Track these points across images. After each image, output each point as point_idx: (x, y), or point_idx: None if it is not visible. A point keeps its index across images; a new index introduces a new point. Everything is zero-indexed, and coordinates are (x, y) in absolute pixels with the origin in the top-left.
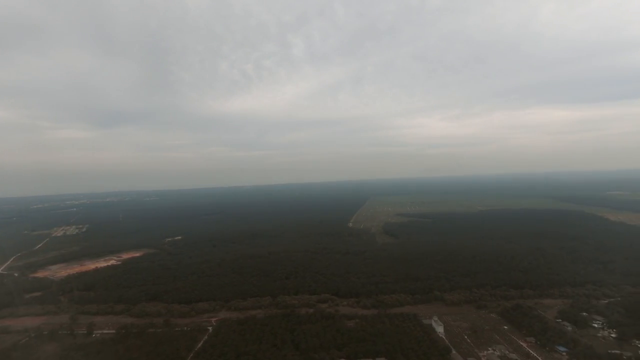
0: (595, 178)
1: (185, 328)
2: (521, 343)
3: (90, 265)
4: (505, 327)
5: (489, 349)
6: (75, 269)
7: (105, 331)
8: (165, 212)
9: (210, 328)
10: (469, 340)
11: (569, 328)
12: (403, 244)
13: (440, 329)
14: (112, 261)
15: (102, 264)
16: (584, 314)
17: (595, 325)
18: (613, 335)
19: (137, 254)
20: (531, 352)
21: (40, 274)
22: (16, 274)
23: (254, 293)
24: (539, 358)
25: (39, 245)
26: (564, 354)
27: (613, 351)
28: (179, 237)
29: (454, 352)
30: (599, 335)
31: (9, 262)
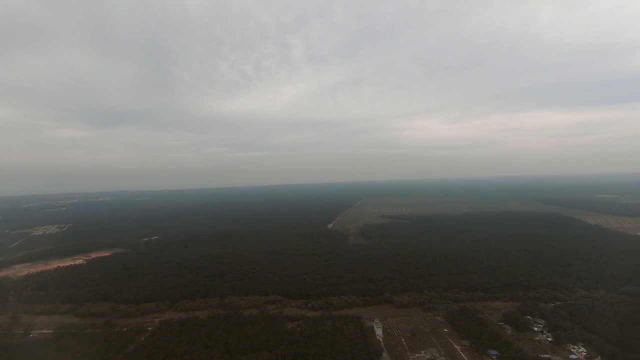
0: (591, 181)
1: (125, 329)
2: (455, 346)
3: (55, 265)
4: (446, 330)
5: (422, 352)
6: (38, 268)
7: (44, 331)
8: (152, 211)
9: (150, 329)
10: (404, 343)
11: (508, 331)
12: (372, 246)
13: (379, 332)
14: (79, 260)
15: (67, 263)
16: (528, 317)
17: (535, 329)
18: (549, 339)
19: (107, 254)
20: (462, 355)
21: (1, 274)
22: None
23: (204, 294)
24: None
25: (14, 244)
26: (494, 357)
27: (544, 355)
28: (156, 237)
29: (384, 355)
30: (536, 338)
31: None
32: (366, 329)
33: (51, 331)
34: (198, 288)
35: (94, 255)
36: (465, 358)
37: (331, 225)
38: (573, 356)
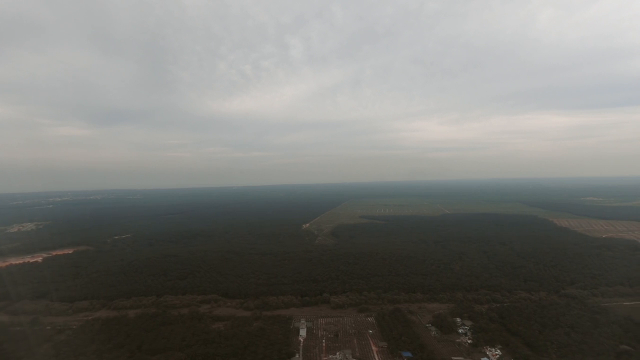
0: (586, 184)
1: (48, 327)
2: (373, 348)
3: (11, 262)
4: (371, 331)
5: (337, 353)
6: None
7: None
8: (137, 210)
9: (74, 327)
10: (324, 345)
11: (433, 333)
12: (335, 246)
13: (303, 332)
14: (38, 258)
15: (24, 260)
16: (457, 319)
17: (460, 331)
18: (469, 341)
19: (69, 251)
20: (376, 357)
21: None
22: None
23: (142, 292)
24: None
25: None
26: (406, 359)
27: (456, 358)
28: (128, 235)
29: (297, 356)
30: (458, 340)
31: None
32: (292, 330)
33: None
34: (137, 286)
35: (55, 253)
36: (380, 358)
37: (308, 225)
38: (485, 359)
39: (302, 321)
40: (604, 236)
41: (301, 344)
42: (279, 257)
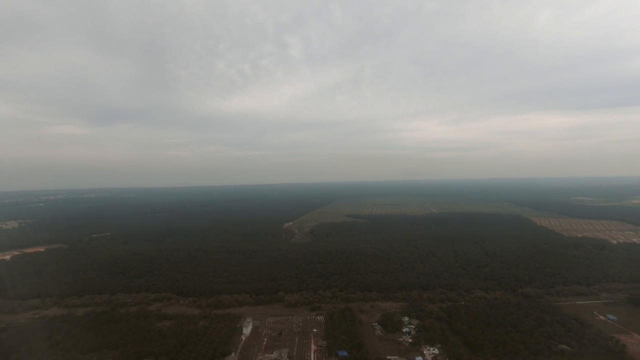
0: (581, 184)
1: None
2: (312, 347)
3: None
4: (315, 330)
5: (274, 352)
6: None
7: None
8: (125, 208)
9: (18, 325)
10: (264, 343)
11: (377, 332)
12: (308, 244)
13: (246, 331)
14: (8, 256)
15: None
16: (406, 318)
17: (404, 330)
18: (410, 340)
19: (41, 249)
20: (312, 356)
21: None
22: None
23: (96, 290)
24: None
25: None
26: (342, 358)
27: (391, 357)
28: (107, 234)
29: (233, 355)
30: (400, 339)
31: None
32: (237, 329)
33: None
34: (92, 285)
35: (27, 251)
36: (312, 359)
37: (290, 224)
38: (419, 358)
39: (247, 320)
40: (579, 235)
41: (242, 343)
42: (247, 255)
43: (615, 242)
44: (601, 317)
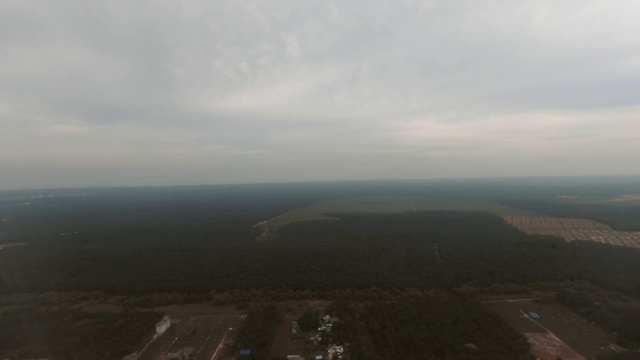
0: (575, 184)
1: None
2: (219, 346)
3: None
4: (231, 328)
5: (178, 351)
6: None
7: None
8: (109, 207)
9: None
10: (173, 342)
11: (293, 331)
12: (268, 242)
13: (161, 330)
14: None
15: None
16: (327, 316)
17: (320, 329)
18: (320, 338)
19: None
20: (215, 354)
21: None
22: None
23: (25, 288)
24: None
25: None
26: (243, 357)
27: (292, 356)
28: (76, 232)
29: (134, 354)
30: (311, 338)
31: None
32: (154, 327)
33: None
34: (23, 282)
35: None
36: (214, 357)
37: (265, 222)
38: (319, 357)
39: (164, 318)
40: (542, 234)
41: (150, 342)
42: (199, 253)
43: (569, 240)
44: (525, 315)
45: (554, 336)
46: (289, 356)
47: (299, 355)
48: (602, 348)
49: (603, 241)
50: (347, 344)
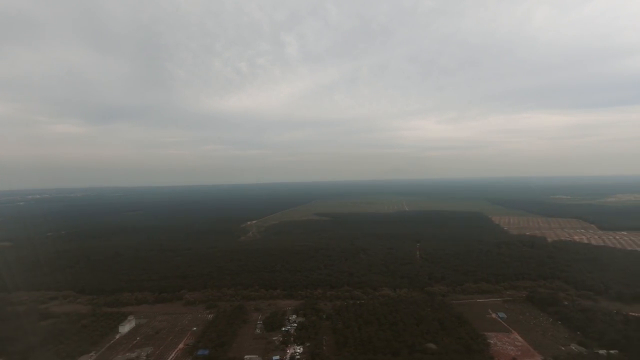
0: (573, 183)
1: None
2: (179, 346)
3: None
4: (195, 328)
5: (135, 351)
6: None
7: None
8: (101, 207)
9: None
10: (134, 342)
11: (257, 331)
12: (251, 242)
13: (123, 330)
14: None
15: None
16: (294, 316)
17: (284, 329)
18: (281, 339)
19: None
20: (172, 355)
21: None
22: None
23: None
24: None
25: None
26: (201, 357)
27: (250, 356)
28: (62, 232)
29: (91, 354)
30: (274, 338)
31: None
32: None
33: None
34: None
35: None
36: (172, 357)
37: (254, 222)
38: (276, 357)
39: (129, 318)
40: (527, 233)
41: (111, 342)
42: (177, 253)
43: (551, 240)
44: (492, 315)
45: (517, 336)
46: (246, 356)
47: (256, 356)
48: (562, 348)
49: (585, 241)
50: (307, 344)
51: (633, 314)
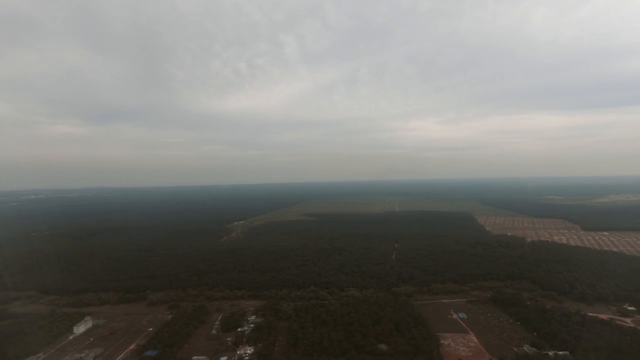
0: (570, 184)
1: None
2: (130, 346)
3: None
4: (151, 329)
5: (83, 352)
6: None
7: None
8: (92, 208)
9: None
10: (87, 343)
11: (213, 331)
12: (230, 242)
13: (78, 330)
14: None
15: None
16: (253, 317)
17: (239, 330)
18: (230, 339)
19: None
20: (120, 355)
21: None
22: None
23: None
24: None
25: None
26: (148, 357)
27: (198, 357)
28: (47, 232)
29: (39, 355)
30: (228, 339)
31: None
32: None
33: None
34: None
35: None
36: (119, 358)
37: (241, 222)
38: (223, 358)
39: (85, 319)
40: (509, 234)
41: (63, 343)
42: (153, 253)
43: (530, 240)
44: (453, 316)
45: (473, 337)
46: (194, 357)
47: (205, 357)
48: (515, 349)
49: (564, 241)
50: (260, 345)
51: (591, 314)
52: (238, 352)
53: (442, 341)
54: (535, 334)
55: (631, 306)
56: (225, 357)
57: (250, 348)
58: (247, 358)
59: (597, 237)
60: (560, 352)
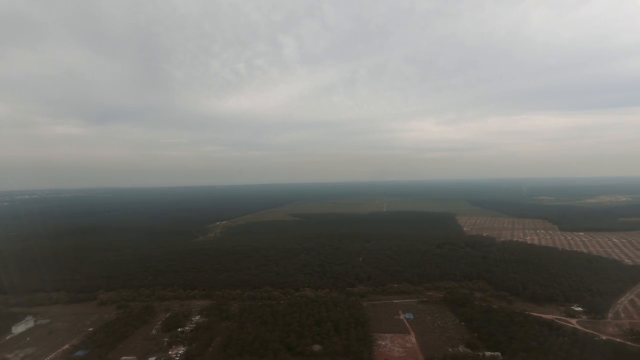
0: (568, 184)
1: None
2: (64, 347)
3: None
4: (91, 329)
5: (14, 352)
6: None
7: None
8: (82, 208)
9: None
10: (23, 342)
11: (154, 331)
12: (203, 242)
13: (16, 330)
14: None
15: None
16: (197, 317)
17: (180, 330)
18: (167, 339)
19: None
20: (50, 356)
21: None
22: None
23: None
24: None
25: None
26: (77, 358)
27: (127, 357)
28: (25, 232)
29: None
30: (165, 340)
31: None
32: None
33: None
34: None
35: None
36: (49, 358)
37: (223, 222)
38: (152, 358)
39: (26, 318)
40: (484, 234)
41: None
42: (120, 253)
43: (502, 240)
44: (400, 316)
45: (412, 337)
46: (123, 357)
47: (134, 357)
48: (450, 350)
49: (536, 241)
50: (193, 345)
51: (535, 314)
52: (170, 352)
53: (380, 342)
54: (476, 334)
55: (579, 307)
56: (154, 358)
57: (182, 348)
58: (177, 358)
59: (569, 238)
60: (493, 353)
